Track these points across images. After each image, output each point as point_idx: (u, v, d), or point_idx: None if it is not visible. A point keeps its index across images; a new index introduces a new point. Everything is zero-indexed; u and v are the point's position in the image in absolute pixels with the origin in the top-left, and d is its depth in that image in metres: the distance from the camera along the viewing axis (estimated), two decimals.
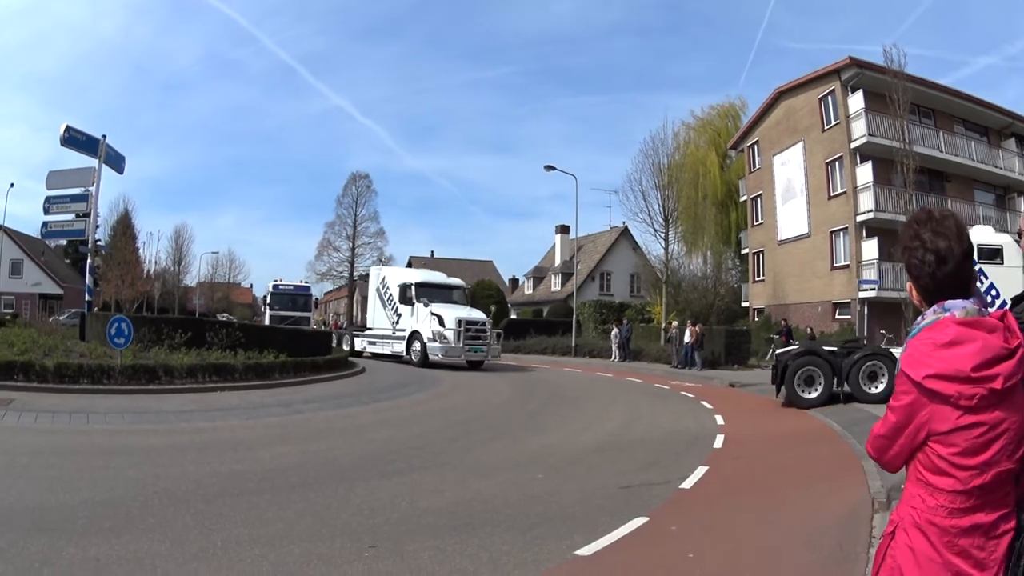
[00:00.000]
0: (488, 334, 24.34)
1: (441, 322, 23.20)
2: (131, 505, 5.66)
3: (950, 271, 1.80)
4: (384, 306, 26.96)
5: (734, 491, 7.55)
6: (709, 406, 14.63)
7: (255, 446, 8.67)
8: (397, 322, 25.69)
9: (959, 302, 1.79)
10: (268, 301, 38.48)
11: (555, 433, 10.96)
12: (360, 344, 28.57)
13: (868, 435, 1.97)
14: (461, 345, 23.04)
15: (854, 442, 10.38)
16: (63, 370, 12.54)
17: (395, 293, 25.93)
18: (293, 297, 38.99)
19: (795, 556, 5.34)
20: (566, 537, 5.38)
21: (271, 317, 36.67)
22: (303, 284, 44.03)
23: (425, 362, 23.20)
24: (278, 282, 41.28)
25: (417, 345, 23.88)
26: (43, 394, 11.61)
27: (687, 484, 7.48)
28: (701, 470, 8.15)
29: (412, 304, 24.67)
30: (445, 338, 22.94)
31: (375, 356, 27.14)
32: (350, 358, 23.78)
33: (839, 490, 7.41)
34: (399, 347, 25.23)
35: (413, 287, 25.19)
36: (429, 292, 25.09)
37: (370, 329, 28.49)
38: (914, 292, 1.91)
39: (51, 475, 6.51)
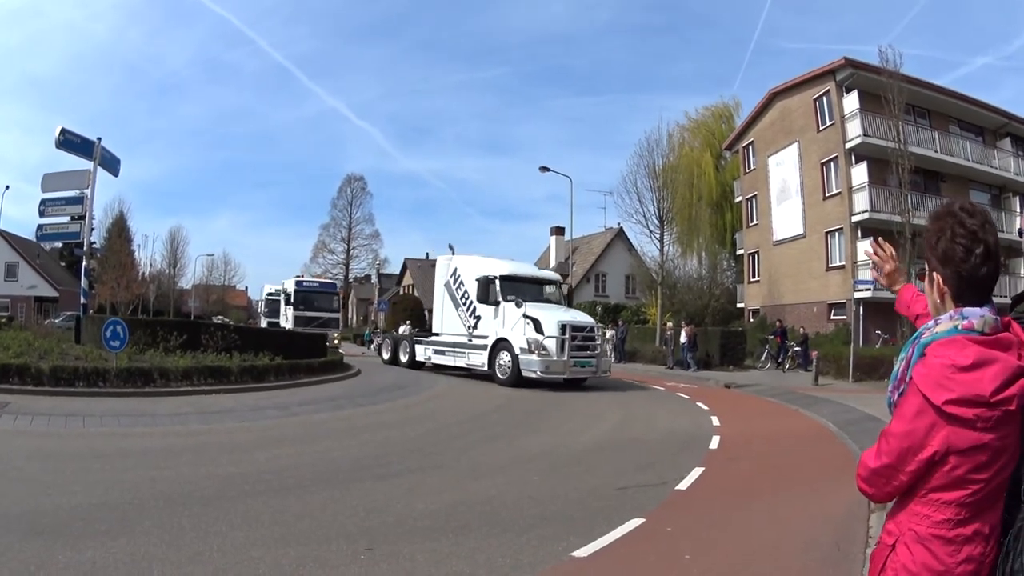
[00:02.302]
0: (599, 343, 19.36)
1: (538, 328, 18.09)
2: (127, 508, 5.65)
3: (993, 269, 1.78)
4: (456, 306, 21.20)
5: (730, 492, 7.55)
6: (705, 407, 14.65)
7: (251, 448, 8.66)
8: (475, 327, 20.21)
9: (977, 311, 1.76)
10: (291, 300, 33.98)
11: (551, 434, 10.96)
12: (423, 353, 22.74)
13: (861, 465, 1.89)
14: (565, 358, 17.89)
15: (850, 442, 10.42)
16: (59, 373, 12.53)
17: (471, 289, 20.31)
18: (319, 295, 35.44)
19: (792, 556, 5.34)
20: (562, 538, 5.38)
21: (295, 318, 33.08)
22: (329, 280, 40.60)
23: (518, 379, 18.06)
24: (301, 278, 38.00)
25: (505, 357, 18.57)
26: (39, 397, 11.58)
27: (683, 485, 7.49)
28: (697, 471, 8.16)
29: (497, 304, 19.28)
30: (544, 349, 17.78)
31: (440, 368, 22.26)
32: (411, 369, 22.20)
33: (836, 490, 7.42)
34: (477, 358, 19.81)
35: (497, 282, 19.49)
36: (516, 288, 19.53)
37: (436, 335, 22.48)
38: (939, 283, 1.85)
39: (46, 478, 6.50)
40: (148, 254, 60.94)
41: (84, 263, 20.45)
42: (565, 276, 30.61)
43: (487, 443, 9.90)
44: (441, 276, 22.51)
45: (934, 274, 1.87)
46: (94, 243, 42.02)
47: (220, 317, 61.65)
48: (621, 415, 13.51)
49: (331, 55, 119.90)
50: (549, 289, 21.05)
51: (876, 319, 27.04)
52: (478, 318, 20.11)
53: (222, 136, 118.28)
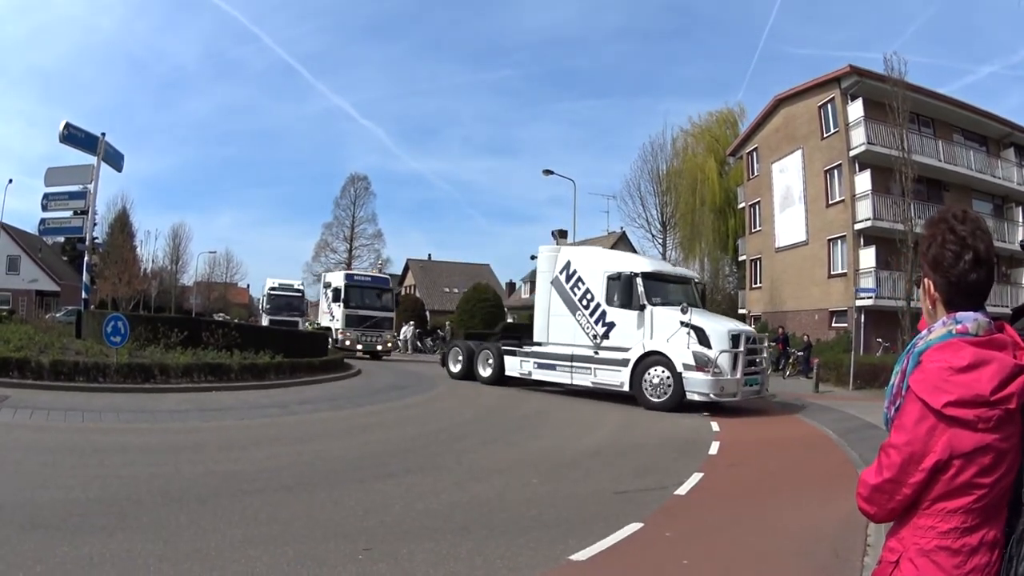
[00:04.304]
0: (766, 356, 16.53)
1: (703, 339, 14.79)
2: (125, 504, 5.65)
3: (984, 275, 1.76)
4: (572, 309, 17.26)
5: (729, 498, 7.55)
6: (705, 412, 14.62)
7: (250, 446, 8.67)
8: (605, 335, 16.37)
9: (970, 315, 1.75)
10: (341, 296, 30.49)
11: (551, 437, 10.96)
12: (517, 366, 18.52)
13: (860, 484, 1.84)
14: (739, 376, 14.76)
15: (850, 450, 10.41)
16: (59, 367, 12.54)
17: (597, 288, 16.68)
18: (373, 291, 31.91)
19: (790, 563, 5.33)
20: (560, 542, 5.37)
21: (347, 318, 29.97)
22: (382, 275, 36.98)
23: (680, 402, 14.64)
24: (351, 271, 35.45)
25: (661, 375, 14.92)
26: (38, 391, 11.59)
27: (682, 490, 7.48)
28: (696, 476, 8.15)
29: (641, 308, 15.74)
30: (717, 367, 14.48)
31: (528, 382, 18.59)
32: (495, 386, 18.56)
33: (834, 497, 7.41)
34: (611, 375, 16.01)
35: (640, 280, 15.95)
36: (657, 289, 16.29)
37: (539, 344, 18.30)
38: (931, 290, 1.84)
39: (45, 472, 6.50)
40: (150, 250, 61.05)
41: (86, 258, 20.49)
42: None
43: (487, 445, 9.90)
44: (545, 271, 18.36)
45: (926, 280, 1.86)
46: (96, 238, 42.00)
47: (221, 314, 61.75)
48: (621, 419, 13.49)
49: (337, 53, 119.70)
50: (685, 289, 17.44)
51: (877, 327, 27.01)
52: (609, 325, 16.38)
53: (226, 132, 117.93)
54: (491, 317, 42.44)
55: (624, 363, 15.65)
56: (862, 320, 26.34)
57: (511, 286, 65.72)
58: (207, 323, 19.96)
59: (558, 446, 10.13)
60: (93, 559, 4.38)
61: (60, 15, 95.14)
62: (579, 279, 17.21)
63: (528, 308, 53.81)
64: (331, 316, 31.24)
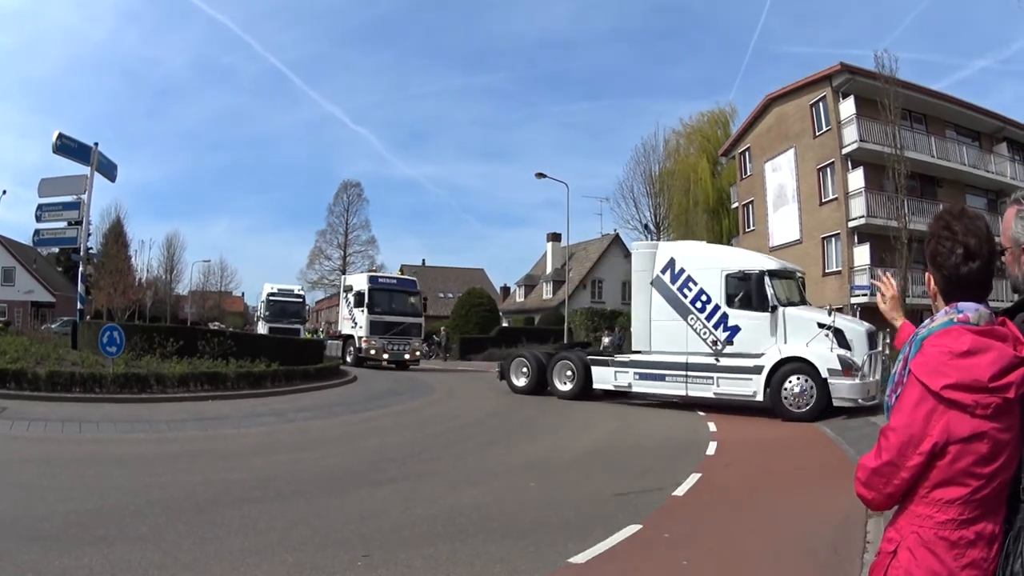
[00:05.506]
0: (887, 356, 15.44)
1: (843, 341, 13.64)
2: (123, 514, 5.64)
3: (976, 269, 1.82)
4: (682, 312, 15.31)
5: (727, 498, 7.56)
6: (701, 413, 14.63)
7: (247, 455, 8.66)
8: (728, 341, 14.74)
9: (972, 305, 1.80)
10: (365, 301, 27.94)
11: (548, 440, 10.96)
12: (610, 377, 16.45)
13: (859, 469, 1.88)
14: (878, 378, 13.72)
15: (847, 447, 10.42)
16: (55, 378, 12.51)
17: (712, 288, 14.98)
18: (399, 294, 29.50)
19: (789, 561, 5.35)
20: (559, 545, 5.38)
21: (372, 324, 27.64)
22: (408, 278, 33.93)
23: (823, 411, 13.32)
24: (377, 275, 32.66)
25: (801, 382, 13.56)
26: (35, 402, 11.57)
27: (680, 491, 7.48)
28: (694, 477, 8.16)
29: (773, 309, 14.29)
30: (861, 371, 13.35)
31: (625, 394, 16.72)
32: (576, 400, 16.66)
33: (832, 495, 7.42)
34: (739, 385, 14.42)
35: (767, 278, 14.57)
36: (778, 288, 14.81)
37: (636, 352, 16.28)
38: (931, 283, 1.93)
39: (43, 484, 6.49)
40: (145, 260, 60.60)
41: (81, 268, 20.42)
42: (560, 282, 24.94)
43: (484, 449, 9.90)
44: (643, 270, 16.18)
45: (927, 275, 1.95)
46: (91, 248, 41.78)
47: (217, 323, 61.68)
48: (618, 421, 13.51)
49: (327, 59, 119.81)
50: (796, 285, 16.03)
51: (872, 324, 27.06)
52: (733, 329, 14.74)
53: (218, 140, 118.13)
54: (486, 322, 42.49)
55: (756, 371, 14.16)
56: (857, 318, 26.40)
57: (505, 290, 65.78)
58: (202, 332, 19.84)
59: (555, 448, 10.14)
60: (92, 569, 4.37)
61: (52, 25, 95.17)
62: (689, 279, 15.35)
63: (523, 312, 54.30)
64: (353, 323, 28.88)
